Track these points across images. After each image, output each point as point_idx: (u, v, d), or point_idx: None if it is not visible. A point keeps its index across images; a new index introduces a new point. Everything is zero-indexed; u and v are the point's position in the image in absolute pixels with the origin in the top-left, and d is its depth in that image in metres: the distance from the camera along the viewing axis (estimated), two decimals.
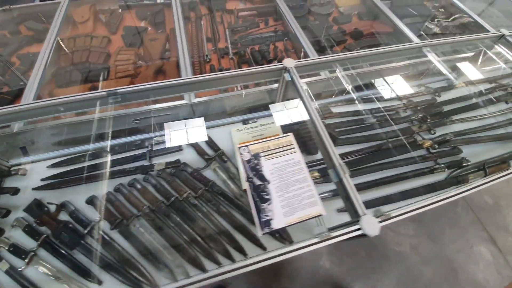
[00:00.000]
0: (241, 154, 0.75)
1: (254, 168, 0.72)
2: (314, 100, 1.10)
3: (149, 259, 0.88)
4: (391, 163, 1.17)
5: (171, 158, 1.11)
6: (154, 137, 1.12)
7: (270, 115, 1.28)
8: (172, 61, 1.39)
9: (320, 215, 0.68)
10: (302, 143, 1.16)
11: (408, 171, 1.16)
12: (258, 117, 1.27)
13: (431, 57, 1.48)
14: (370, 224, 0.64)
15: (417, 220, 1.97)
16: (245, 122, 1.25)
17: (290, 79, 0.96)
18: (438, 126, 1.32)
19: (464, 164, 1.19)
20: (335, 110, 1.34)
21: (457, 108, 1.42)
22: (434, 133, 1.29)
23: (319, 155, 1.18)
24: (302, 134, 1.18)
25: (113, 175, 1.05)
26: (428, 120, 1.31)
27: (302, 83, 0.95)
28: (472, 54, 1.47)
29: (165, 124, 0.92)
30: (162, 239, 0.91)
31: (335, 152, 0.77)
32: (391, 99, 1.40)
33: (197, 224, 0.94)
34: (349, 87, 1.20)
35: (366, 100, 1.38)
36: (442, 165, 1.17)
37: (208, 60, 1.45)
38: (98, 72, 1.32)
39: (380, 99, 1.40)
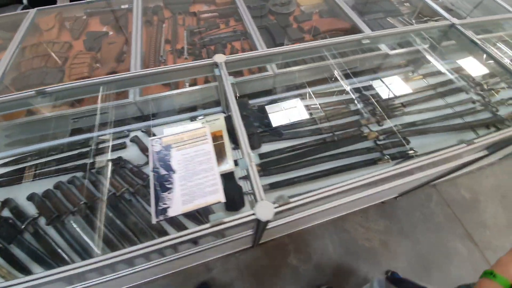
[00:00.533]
0: (152, 145, 0.77)
1: (163, 159, 0.74)
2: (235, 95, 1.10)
3: (80, 254, 0.90)
4: (336, 155, 1.17)
5: (115, 155, 1.14)
6: (98, 136, 1.16)
7: (219, 112, 1.32)
8: (127, 62, 1.43)
9: (219, 202, 0.69)
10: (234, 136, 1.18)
11: (353, 162, 1.16)
12: (207, 114, 1.29)
13: (386, 49, 1.49)
14: (265, 209, 0.65)
15: (389, 216, 1.94)
16: (192, 119, 1.27)
17: (219, 74, 0.98)
18: (390, 118, 1.32)
19: (410, 155, 1.18)
20: (286, 105, 1.35)
21: (412, 100, 1.42)
22: (382, 125, 1.28)
23: (260, 150, 1.19)
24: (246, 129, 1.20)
25: (56, 172, 1.09)
26: (377, 112, 1.31)
27: (230, 78, 0.97)
28: (427, 45, 1.47)
29: None
30: (94, 233, 0.93)
31: (246, 142, 0.78)
32: (345, 93, 1.40)
33: (129, 219, 0.96)
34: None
35: (320, 94, 1.39)
36: (387, 156, 1.17)
37: (163, 61, 1.49)
38: (55, 75, 1.37)
39: (334, 93, 1.41)
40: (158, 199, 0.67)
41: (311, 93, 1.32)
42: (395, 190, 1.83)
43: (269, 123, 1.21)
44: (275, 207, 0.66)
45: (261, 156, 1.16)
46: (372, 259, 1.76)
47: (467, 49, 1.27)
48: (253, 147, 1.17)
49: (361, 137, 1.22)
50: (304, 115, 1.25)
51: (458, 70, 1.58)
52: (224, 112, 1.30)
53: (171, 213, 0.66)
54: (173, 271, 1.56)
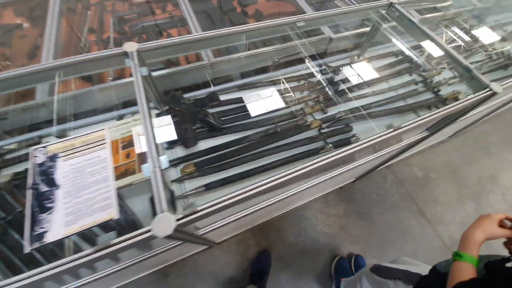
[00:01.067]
0: (34, 156, 0.64)
1: (45, 172, 0.62)
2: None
3: None
4: (279, 147, 1.11)
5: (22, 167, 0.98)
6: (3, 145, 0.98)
7: (152, 108, 1.18)
8: (40, 56, 1.23)
9: (111, 219, 0.59)
10: (179, 135, 1.07)
11: (294, 154, 1.11)
12: (136, 111, 1.16)
13: (330, 33, 1.43)
14: (163, 224, 0.56)
15: (348, 200, 1.97)
16: (120, 117, 1.13)
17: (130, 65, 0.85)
18: (334, 105, 1.28)
19: (352, 141, 1.15)
20: (225, 97, 1.25)
21: (357, 85, 1.39)
22: (326, 113, 1.24)
23: (197, 148, 1.09)
24: (179, 126, 1.09)
25: None
26: (321, 100, 1.26)
27: (143, 70, 0.85)
28: (369, 28, 1.43)
29: None
30: None
31: (153, 144, 0.68)
32: (287, 81, 1.33)
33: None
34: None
35: (261, 85, 1.30)
36: (330, 144, 1.13)
37: (85, 52, 1.30)
38: None
39: (275, 82, 1.33)
40: (34, 222, 0.56)
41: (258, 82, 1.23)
42: (351, 175, 1.85)
43: (206, 118, 1.11)
44: (177, 219, 0.58)
45: (196, 154, 1.06)
46: (332, 244, 1.78)
47: (407, 30, 1.24)
48: (188, 145, 1.07)
49: (304, 127, 1.16)
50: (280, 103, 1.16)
51: (401, 53, 1.58)
52: (157, 109, 1.17)
53: (50, 238, 0.55)
54: (123, 283, 1.46)
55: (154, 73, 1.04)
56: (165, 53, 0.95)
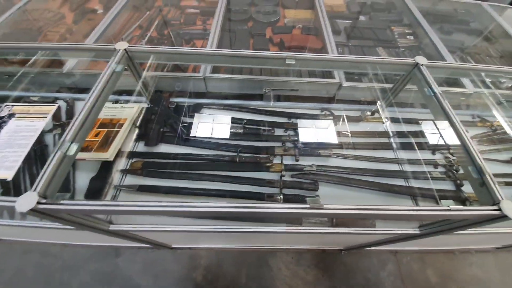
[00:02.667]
0: (1, 111, 0.78)
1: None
2: None
3: None
4: (229, 178, 1.05)
5: None
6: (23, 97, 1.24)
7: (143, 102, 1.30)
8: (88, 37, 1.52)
9: (5, 179, 0.66)
10: (146, 133, 1.14)
11: (239, 190, 1.02)
12: (129, 100, 1.29)
13: (342, 79, 1.32)
14: (26, 200, 0.60)
15: (326, 268, 1.68)
16: (115, 101, 1.28)
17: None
18: (314, 156, 1.14)
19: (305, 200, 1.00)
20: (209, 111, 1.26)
21: (353, 143, 1.20)
22: (297, 160, 1.11)
23: (157, 149, 1.13)
24: (148, 124, 1.16)
25: None
26: (299, 145, 1.14)
27: (118, 67, 0.94)
28: (391, 85, 1.24)
29: None
30: None
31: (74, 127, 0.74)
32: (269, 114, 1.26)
33: None
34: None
35: (251, 111, 1.27)
36: (280, 196, 1.01)
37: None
38: (32, 36, 1.53)
39: (268, 113, 1.28)
40: None
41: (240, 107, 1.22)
42: (332, 241, 1.59)
43: (175, 124, 1.15)
44: (41, 202, 0.61)
45: (150, 155, 1.10)
46: None
47: (427, 100, 1.03)
48: (147, 143, 1.12)
49: (265, 166, 1.07)
50: (226, 133, 1.15)
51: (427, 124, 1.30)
52: (147, 104, 1.28)
53: None
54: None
55: (146, 73, 1.14)
56: (158, 58, 1.03)
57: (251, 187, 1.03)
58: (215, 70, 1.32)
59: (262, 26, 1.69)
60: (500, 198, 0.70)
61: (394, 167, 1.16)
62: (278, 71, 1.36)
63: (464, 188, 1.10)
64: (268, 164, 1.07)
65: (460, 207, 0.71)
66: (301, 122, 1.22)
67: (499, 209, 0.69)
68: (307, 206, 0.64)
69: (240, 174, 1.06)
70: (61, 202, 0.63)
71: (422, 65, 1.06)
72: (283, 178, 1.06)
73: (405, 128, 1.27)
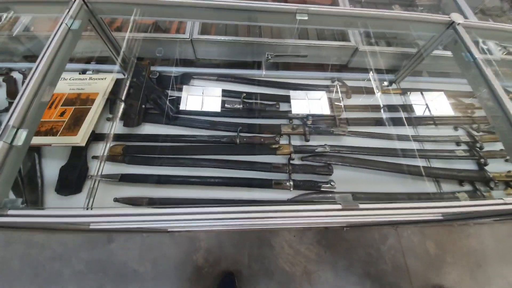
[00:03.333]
0: None
1: None
2: None
3: None
4: (228, 162, 0.90)
5: None
6: None
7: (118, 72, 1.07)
8: None
9: None
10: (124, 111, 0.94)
11: (241, 177, 0.88)
12: (101, 70, 1.06)
13: (357, 42, 1.11)
14: None
15: (328, 245, 1.66)
16: (82, 72, 1.05)
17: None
18: (326, 134, 0.99)
19: (323, 189, 0.87)
20: (200, 83, 1.06)
21: (368, 119, 1.05)
22: (308, 141, 0.96)
23: (139, 130, 0.95)
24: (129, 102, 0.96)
25: None
26: (309, 124, 0.98)
27: (74, 23, 0.70)
28: (415, 50, 1.05)
29: None
30: None
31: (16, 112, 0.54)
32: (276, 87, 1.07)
33: None
34: None
35: (245, 82, 1.07)
36: (290, 183, 0.87)
37: None
38: None
39: (270, 83, 1.09)
40: None
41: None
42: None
43: (159, 99, 0.94)
44: None
45: (131, 137, 0.92)
46: (286, 286, 1.53)
47: (463, 66, 0.86)
48: (127, 123, 0.93)
49: (270, 149, 0.92)
50: (217, 106, 0.96)
51: (453, 95, 1.15)
52: (123, 74, 1.05)
53: None
54: None
55: (116, 34, 0.90)
56: (125, 11, 0.78)
57: (254, 173, 0.89)
58: (204, 30, 1.08)
59: None
60: None
61: (413, 145, 1.03)
62: (281, 32, 1.13)
63: (489, 167, 1.00)
64: (274, 146, 0.91)
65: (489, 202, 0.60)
66: (309, 94, 1.04)
67: None
68: (339, 206, 0.51)
69: (241, 158, 0.91)
70: (9, 212, 0.47)
71: (458, 24, 0.87)
72: (292, 162, 0.91)
73: (426, 100, 1.11)
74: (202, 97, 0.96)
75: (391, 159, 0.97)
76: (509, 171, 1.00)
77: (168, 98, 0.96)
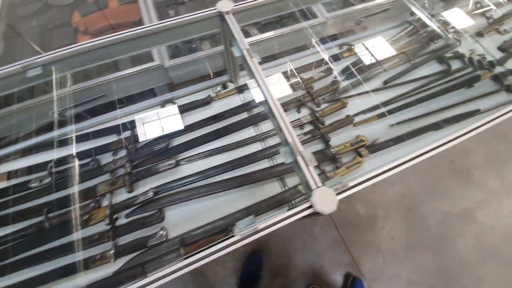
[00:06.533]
0: None
1: None
2: None
3: None
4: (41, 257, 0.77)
5: None
6: None
7: None
8: None
9: None
10: None
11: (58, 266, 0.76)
12: None
13: (160, 59, 1.00)
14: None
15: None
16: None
17: None
18: (156, 173, 0.88)
19: (150, 242, 0.78)
20: None
21: (203, 136, 0.95)
22: (130, 192, 0.86)
23: None
24: None
25: None
26: (128, 167, 0.87)
27: None
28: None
29: None
30: None
31: None
32: None
33: None
34: None
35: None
36: (112, 251, 0.77)
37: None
38: None
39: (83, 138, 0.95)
40: None
41: None
42: None
43: None
44: None
45: None
46: None
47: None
48: None
49: (83, 221, 0.80)
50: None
51: (292, 75, 1.08)
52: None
53: None
54: None
55: None
56: None
57: (68, 258, 0.77)
58: None
59: (64, 11, 1.21)
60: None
61: (256, 147, 0.96)
62: None
63: (332, 141, 0.95)
64: (85, 217, 0.79)
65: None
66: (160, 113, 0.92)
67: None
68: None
69: (55, 244, 0.79)
70: None
71: (227, 13, 0.77)
72: (117, 224, 0.81)
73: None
74: None
75: (235, 171, 0.89)
76: (357, 136, 0.96)
77: None
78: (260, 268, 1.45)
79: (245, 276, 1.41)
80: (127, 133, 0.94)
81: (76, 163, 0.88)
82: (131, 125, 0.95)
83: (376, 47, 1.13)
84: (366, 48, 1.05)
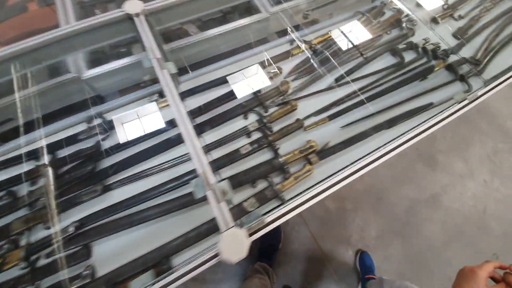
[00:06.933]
0: None
1: None
2: None
3: None
4: None
5: None
6: None
7: None
8: None
9: None
10: None
11: None
12: None
13: (76, 71, 0.87)
14: None
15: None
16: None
17: None
18: (77, 205, 0.78)
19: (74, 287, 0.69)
20: None
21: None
22: (49, 228, 0.75)
23: None
24: None
25: None
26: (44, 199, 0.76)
27: None
28: None
29: None
30: None
31: None
32: None
33: None
34: None
35: None
36: None
37: None
38: None
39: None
40: None
41: None
42: None
43: None
44: None
45: None
46: None
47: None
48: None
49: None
50: None
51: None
52: None
53: None
54: None
55: None
56: None
57: None
58: None
59: None
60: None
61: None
62: None
63: (282, 149, 0.88)
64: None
65: None
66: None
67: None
68: None
69: None
70: None
71: (136, 15, 0.66)
72: (37, 265, 0.71)
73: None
74: None
75: (171, 194, 0.81)
76: (307, 141, 0.89)
77: None
78: (279, 240, 1.54)
79: (263, 249, 1.47)
80: (47, 158, 0.82)
81: None
82: (52, 147, 0.83)
83: (329, 42, 1.05)
84: (315, 44, 0.96)
